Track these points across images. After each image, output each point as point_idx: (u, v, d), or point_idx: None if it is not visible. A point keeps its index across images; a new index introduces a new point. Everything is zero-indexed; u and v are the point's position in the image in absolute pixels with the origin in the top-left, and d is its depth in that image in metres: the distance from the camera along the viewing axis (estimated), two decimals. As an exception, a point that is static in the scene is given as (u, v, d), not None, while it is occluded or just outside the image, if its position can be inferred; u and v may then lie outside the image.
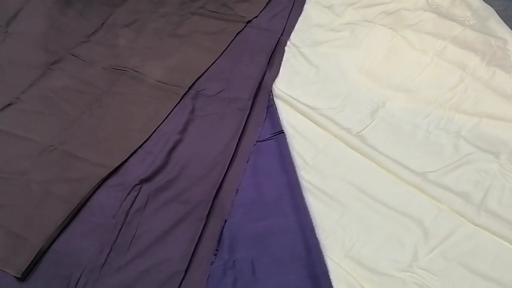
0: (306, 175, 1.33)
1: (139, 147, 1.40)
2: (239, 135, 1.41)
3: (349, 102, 1.50)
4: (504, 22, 1.72)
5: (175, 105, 1.51)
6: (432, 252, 1.15)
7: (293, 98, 1.52)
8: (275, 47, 1.72)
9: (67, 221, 1.22)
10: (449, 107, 1.46)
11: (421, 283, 1.10)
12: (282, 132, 1.42)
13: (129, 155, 1.37)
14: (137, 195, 1.27)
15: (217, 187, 1.29)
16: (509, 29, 1.69)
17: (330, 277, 1.11)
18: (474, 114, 1.43)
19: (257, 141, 1.41)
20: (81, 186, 1.28)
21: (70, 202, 1.25)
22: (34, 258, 1.14)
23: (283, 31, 1.78)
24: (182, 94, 1.53)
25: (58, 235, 1.20)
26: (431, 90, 1.51)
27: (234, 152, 1.38)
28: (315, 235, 1.19)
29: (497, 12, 1.77)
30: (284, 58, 1.68)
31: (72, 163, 1.35)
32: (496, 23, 1.73)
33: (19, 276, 1.12)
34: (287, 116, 1.48)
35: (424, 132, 1.40)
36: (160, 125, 1.45)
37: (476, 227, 1.18)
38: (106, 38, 1.74)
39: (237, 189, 1.30)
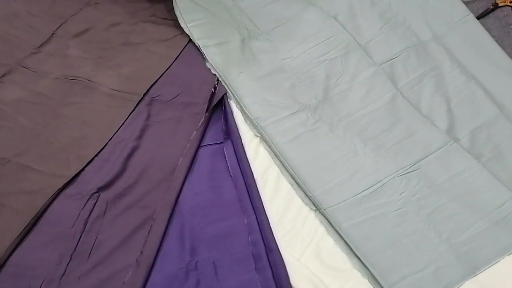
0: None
1: (96, 155, 1.39)
2: (197, 139, 1.43)
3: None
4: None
5: (130, 112, 1.50)
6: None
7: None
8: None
9: (23, 233, 1.21)
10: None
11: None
12: (237, 134, 1.44)
13: (85, 164, 1.36)
14: (96, 203, 1.27)
15: (177, 191, 1.30)
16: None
17: (289, 273, 1.13)
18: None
19: (214, 143, 1.43)
20: (37, 197, 1.27)
21: (26, 214, 1.23)
22: (-10, 272, 1.13)
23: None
24: (137, 101, 1.53)
25: (16, 248, 1.19)
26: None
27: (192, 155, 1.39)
28: (272, 233, 1.21)
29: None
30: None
31: (27, 175, 1.33)
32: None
33: (-25, 291, 1.10)
34: (242, 118, 1.50)
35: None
36: (116, 132, 1.45)
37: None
38: (57, 48, 1.71)
39: (196, 192, 1.32)
